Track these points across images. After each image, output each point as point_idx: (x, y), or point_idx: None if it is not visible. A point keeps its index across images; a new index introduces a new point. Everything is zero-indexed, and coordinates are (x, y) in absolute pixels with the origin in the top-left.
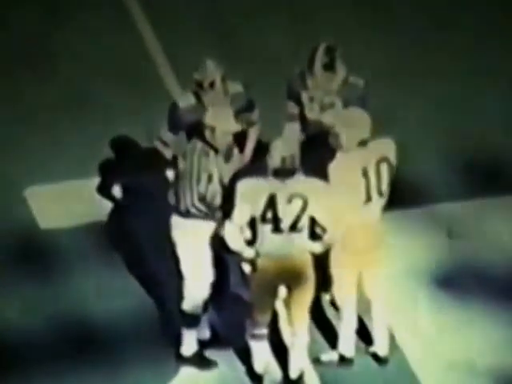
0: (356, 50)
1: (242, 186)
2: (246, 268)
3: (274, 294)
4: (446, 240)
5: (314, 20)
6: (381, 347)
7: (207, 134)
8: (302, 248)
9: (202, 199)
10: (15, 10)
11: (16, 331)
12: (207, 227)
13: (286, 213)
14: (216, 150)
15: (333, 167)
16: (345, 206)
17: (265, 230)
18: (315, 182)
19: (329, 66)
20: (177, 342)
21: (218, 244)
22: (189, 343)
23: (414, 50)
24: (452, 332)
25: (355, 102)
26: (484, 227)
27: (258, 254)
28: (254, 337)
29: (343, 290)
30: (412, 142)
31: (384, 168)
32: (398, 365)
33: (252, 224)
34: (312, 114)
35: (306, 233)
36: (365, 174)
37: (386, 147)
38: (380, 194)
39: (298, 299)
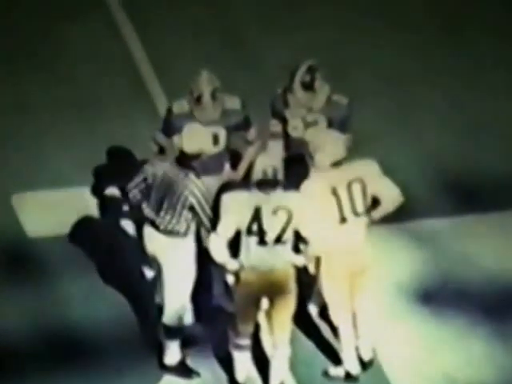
0: (343, 69)
1: (227, 198)
2: (230, 279)
3: (256, 306)
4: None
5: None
6: (353, 365)
7: (195, 159)
8: (286, 261)
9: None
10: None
11: (1, 337)
12: (190, 243)
13: (271, 225)
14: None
15: (304, 186)
16: (316, 224)
17: (250, 242)
18: (299, 195)
19: (309, 86)
20: (160, 350)
21: (203, 255)
22: (171, 352)
23: (400, 71)
24: (432, 347)
25: (339, 120)
26: (465, 244)
27: (241, 267)
28: (237, 347)
29: (336, 310)
30: (396, 159)
31: (356, 188)
32: (376, 380)
33: (236, 236)
34: (295, 131)
35: (289, 245)
36: (334, 193)
37: (363, 168)
38: (356, 214)
39: (280, 311)
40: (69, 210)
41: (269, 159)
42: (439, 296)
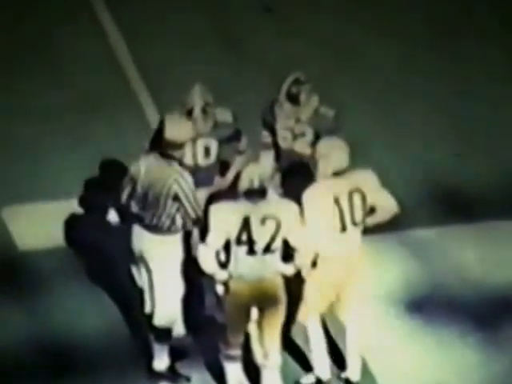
0: (331, 79)
1: (216, 209)
2: (220, 290)
3: (246, 316)
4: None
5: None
6: (353, 372)
7: (180, 150)
8: (275, 270)
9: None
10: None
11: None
12: (176, 241)
13: (260, 234)
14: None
15: (306, 194)
16: (318, 232)
17: (239, 252)
18: (288, 204)
19: (295, 98)
20: (150, 359)
21: (192, 266)
22: (161, 358)
23: (388, 82)
24: (421, 356)
25: (325, 131)
26: (455, 253)
27: (230, 277)
28: (228, 358)
29: (311, 313)
30: (387, 169)
31: (357, 198)
32: None
33: (225, 246)
34: (285, 143)
35: (279, 255)
36: (336, 201)
37: (362, 178)
38: (354, 223)
39: (270, 321)
40: (60, 223)
41: (256, 169)
42: (430, 305)
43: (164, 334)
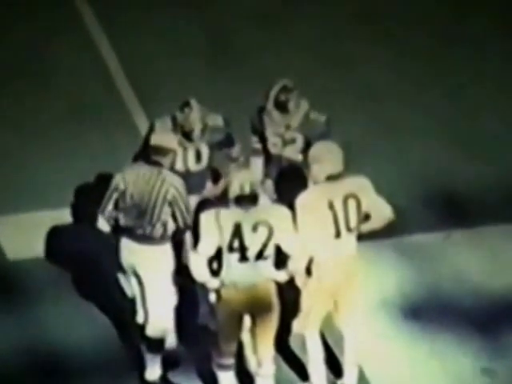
0: (326, 84)
1: (206, 217)
2: (212, 298)
3: (239, 324)
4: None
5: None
6: (350, 381)
7: (167, 157)
8: (268, 277)
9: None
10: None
11: None
12: (167, 251)
13: (252, 241)
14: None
15: (300, 199)
16: (312, 237)
17: (231, 259)
18: (280, 209)
19: (283, 105)
20: (141, 369)
21: (184, 274)
22: (153, 368)
23: (384, 86)
24: (419, 363)
25: (316, 137)
26: (453, 259)
27: (222, 284)
28: (221, 367)
29: (309, 323)
30: (383, 174)
31: (352, 204)
32: None
33: (217, 254)
34: (275, 149)
35: (271, 261)
36: (331, 207)
37: (357, 184)
38: (348, 229)
39: (263, 328)
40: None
41: (247, 175)
42: (427, 312)
43: (156, 344)
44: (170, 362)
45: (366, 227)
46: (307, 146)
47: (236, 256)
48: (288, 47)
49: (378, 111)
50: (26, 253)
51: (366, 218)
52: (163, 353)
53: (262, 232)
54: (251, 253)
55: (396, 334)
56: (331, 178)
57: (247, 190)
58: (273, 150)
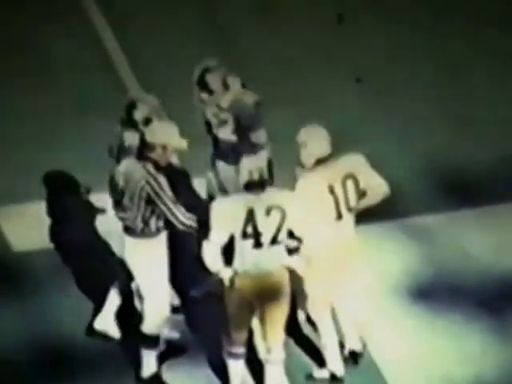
0: (329, 67)
1: (218, 205)
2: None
3: (250, 312)
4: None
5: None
6: (355, 343)
7: (157, 152)
8: (281, 263)
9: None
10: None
11: None
12: (161, 246)
13: (266, 226)
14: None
15: (300, 184)
16: (314, 223)
17: (245, 245)
18: (289, 194)
19: (207, 87)
20: (137, 364)
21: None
22: (148, 364)
23: (388, 68)
24: (427, 344)
25: (246, 118)
26: (458, 239)
27: (235, 273)
28: (231, 355)
29: (318, 307)
30: (386, 155)
31: (350, 184)
32: (373, 379)
33: (229, 243)
34: (215, 130)
35: (283, 247)
36: (331, 191)
37: (353, 163)
38: (349, 210)
39: (274, 316)
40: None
41: (255, 161)
42: (434, 292)
43: (152, 340)
44: (175, 352)
45: (363, 204)
46: (238, 127)
47: (250, 242)
48: (288, 40)
49: (379, 93)
50: (30, 243)
51: (363, 194)
52: (165, 346)
53: (275, 216)
54: (265, 238)
55: (403, 315)
56: (320, 161)
57: (256, 176)
58: (214, 131)
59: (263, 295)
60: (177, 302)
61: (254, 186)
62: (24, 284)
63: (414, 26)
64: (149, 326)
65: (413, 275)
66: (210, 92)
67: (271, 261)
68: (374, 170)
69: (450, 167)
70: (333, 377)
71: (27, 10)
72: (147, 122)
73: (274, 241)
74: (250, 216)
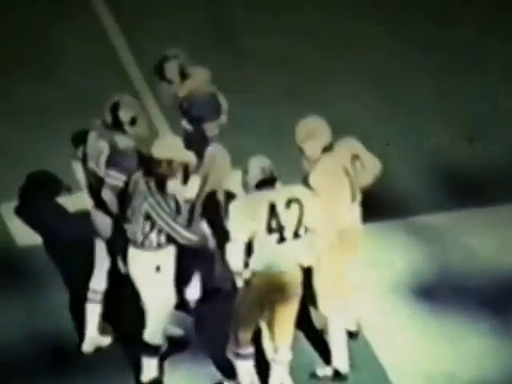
0: (334, 67)
1: (238, 204)
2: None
3: (261, 312)
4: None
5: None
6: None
7: (163, 167)
8: (299, 260)
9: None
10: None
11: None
12: (166, 259)
13: (288, 219)
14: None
15: (314, 178)
16: (333, 211)
17: (269, 241)
18: (302, 188)
19: (163, 75)
20: (138, 367)
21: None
22: (148, 369)
23: (396, 68)
24: (430, 344)
25: (199, 110)
26: (462, 239)
27: (254, 273)
28: (240, 356)
29: (328, 298)
30: (393, 154)
31: (358, 164)
32: (376, 378)
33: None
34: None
35: (304, 241)
36: (347, 172)
37: (353, 145)
38: (359, 190)
39: (284, 316)
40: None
41: (262, 158)
42: (438, 291)
43: (153, 349)
44: (177, 348)
45: (361, 184)
46: (191, 117)
47: (275, 237)
48: (294, 32)
49: (387, 92)
50: (34, 238)
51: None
52: (167, 342)
53: (295, 209)
54: (288, 232)
55: (406, 314)
56: (326, 149)
57: (268, 172)
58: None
59: (277, 295)
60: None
61: (268, 182)
62: (27, 278)
63: (418, 24)
64: (150, 335)
65: (416, 274)
66: (169, 81)
67: (292, 257)
68: (383, 169)
69: (456, 167)
70: (336, 374)
71: (33, 3)
72: (133, 121)
73: (296, 234)
74: (272, 210)
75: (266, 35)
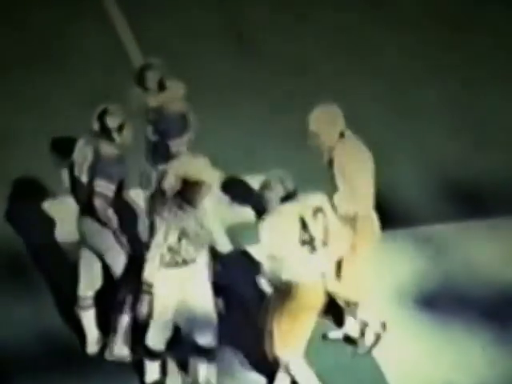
0: (343, 76)
1: (270, 220)
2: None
3: (310, 321)
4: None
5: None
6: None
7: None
8: (330, 268)
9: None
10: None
11: (4, 346)
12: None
13: (316, 229)
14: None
15: (339, 162)
16: (360, 191)
17: (303, 253)
18: (321, 196)
19: (143, 84)
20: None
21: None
22: (151, 371)
23: (401, 79)
24: (432, 353)
25: (165, 125)
26: (466, 250)
27: (288, 284)
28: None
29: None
30: (399, 164)
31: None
32: None
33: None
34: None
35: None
36: (370, 158)
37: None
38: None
39: (305, 324)
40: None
41: (280, 172)
42: (440, 301)
43: (155, 354)
44: (204, 357)
45: None
46: (157, 130)
47: (307, 248)
48: (305, 34)
49: (392, 101)
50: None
51: None
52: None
53: (320, 218)
54: (318, 242)
55: (408, 323)
56: (341, 135)
57: (290, 186)
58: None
59: (307, 303)
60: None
61: (291, 195)
62: (33, 277)
63: (428, 37)
64: (152, 342)
65: (420, 284)
66: (146, 89)
67: (322, 265)
68: (388, 179)
69: (461, 177)
70: (346, 337)
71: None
72: (120, 128)
73: (324, 243)
74: (303, 223)
75: (280, 39)
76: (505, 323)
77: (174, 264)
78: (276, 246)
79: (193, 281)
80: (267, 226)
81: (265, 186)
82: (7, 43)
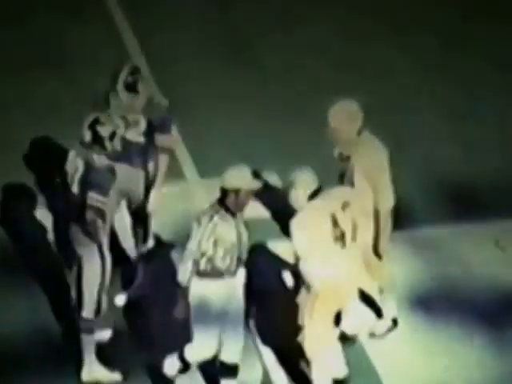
0: (343, 76)
1: (300, 220)
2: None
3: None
4: (439, 262)
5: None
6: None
7: (230, 197)
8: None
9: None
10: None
11: (4, 341)
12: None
13: (346, 224)
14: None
15: (358, 157)
16: (378, 187)
17: (335, 249)
18: (346, 189)
19: (132, 87)
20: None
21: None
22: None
23: (400, 82)
24: (427, 355)
25: (159, 121)
26: (462, 252)
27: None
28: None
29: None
30: (397, 167)
31: None
32: None
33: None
34: (119, 130)
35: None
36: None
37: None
38: None
39: (329, 319)
40: None
41: (303, 175)
42: (436, 304)
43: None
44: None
45: None
46: (149, 128)
47: (339, 244)
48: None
49: (392, 104)
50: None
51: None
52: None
53: (348, 212)
54: (347, 236)
55: (404, 325)
56: (359, 132)
57: (316, 183)
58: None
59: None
60: None
61: (318, 192)
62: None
63: (427, 38)
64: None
65: (416, 286)
66: (133, 92)
67: (354, 259)
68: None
69: (458, 180)
70: (342, 336)
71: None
72: (112, 137)
73: (353, 238)
74: (334, 219)
75: (279, 49)
76: (501, 326)
77: (209, 273)
78: (310, 243)
79: (227, 296)
80: (300, 224)
81: (291, 183)
82: (7, 43)
